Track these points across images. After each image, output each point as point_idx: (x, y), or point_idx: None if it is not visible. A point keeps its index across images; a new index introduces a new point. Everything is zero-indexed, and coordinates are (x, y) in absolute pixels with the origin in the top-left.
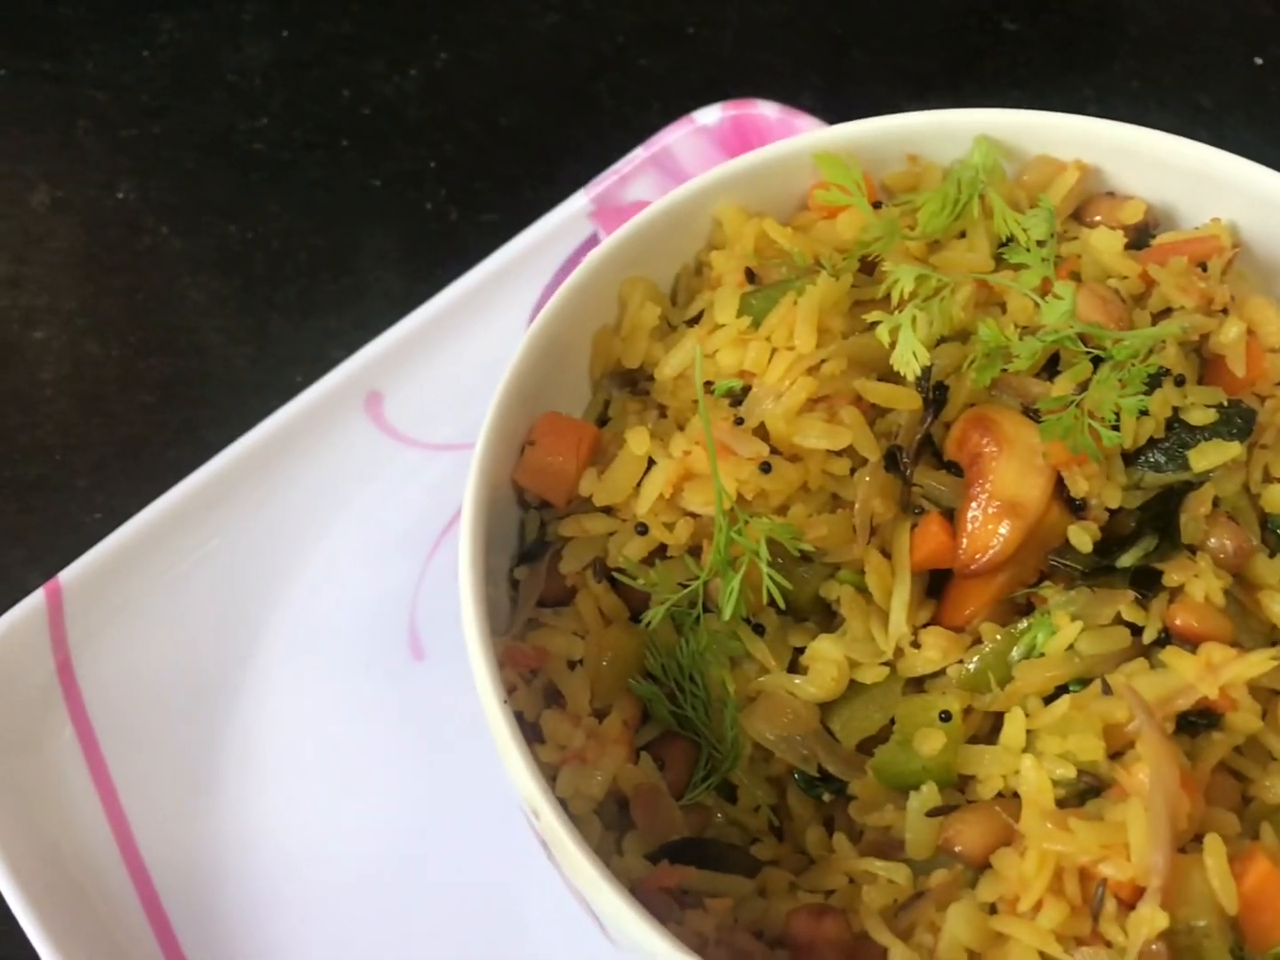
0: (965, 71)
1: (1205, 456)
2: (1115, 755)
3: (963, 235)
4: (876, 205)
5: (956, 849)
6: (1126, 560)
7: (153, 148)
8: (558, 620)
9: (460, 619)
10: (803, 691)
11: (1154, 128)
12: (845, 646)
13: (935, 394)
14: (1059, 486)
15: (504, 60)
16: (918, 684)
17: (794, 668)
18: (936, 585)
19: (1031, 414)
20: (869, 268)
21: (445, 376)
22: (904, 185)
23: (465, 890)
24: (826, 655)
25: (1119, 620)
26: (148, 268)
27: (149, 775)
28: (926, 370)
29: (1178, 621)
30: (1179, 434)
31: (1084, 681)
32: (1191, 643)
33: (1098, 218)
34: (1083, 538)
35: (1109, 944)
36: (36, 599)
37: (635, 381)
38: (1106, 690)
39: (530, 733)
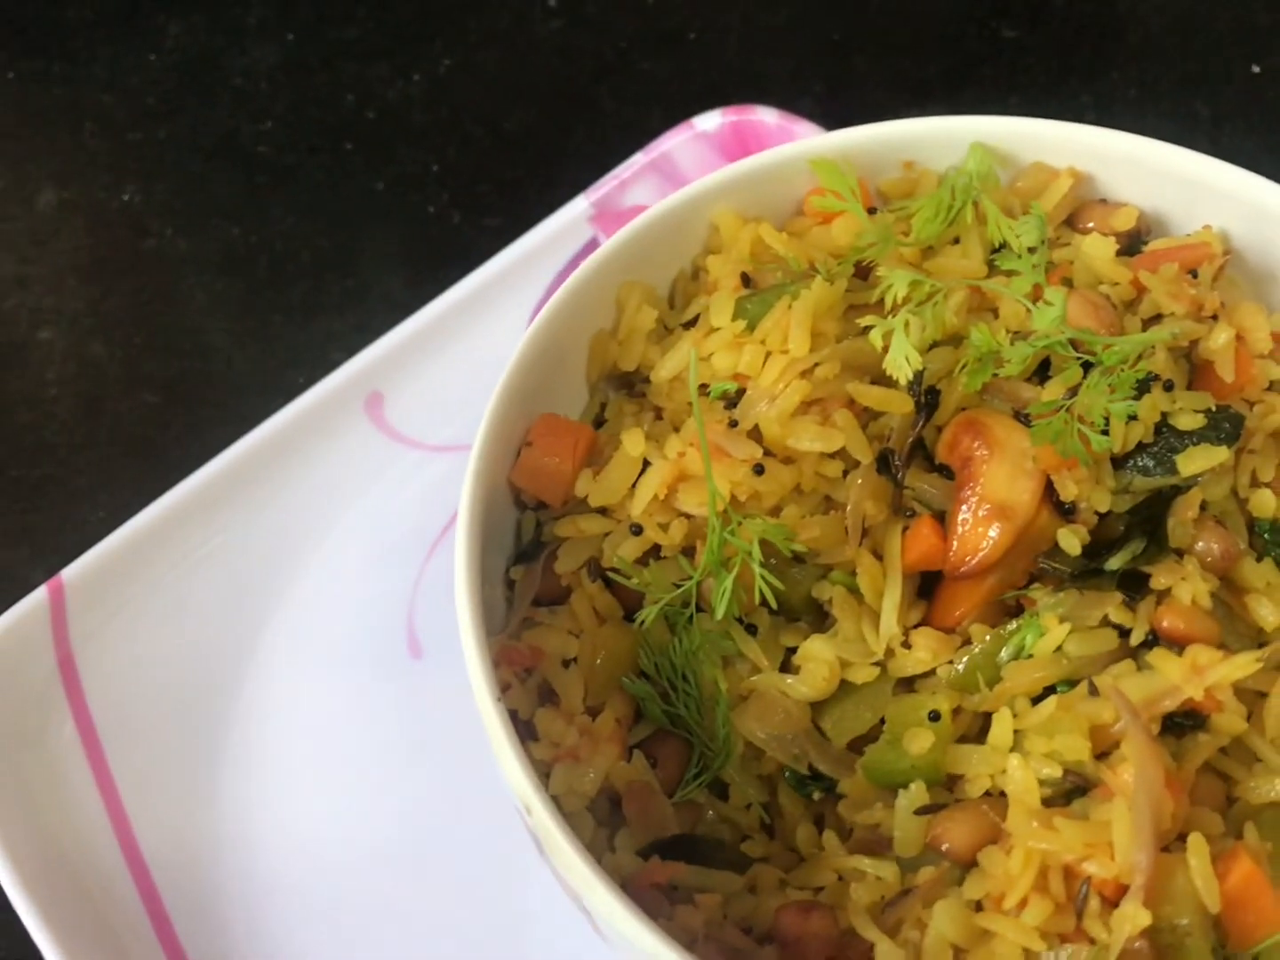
0: (965, 78)
1: (1193, 461)
2: (1101, 755)
3: (956, 241)
4: (871, 211)
5: (944, 847)
6: (1115, 563)
7: (158, 150)
8: (553, 619)
9: (456, 618)
10: (794, 691)
11: (1152, 135)
12: (836, 647)
13: (927, 398)
14: (1049, 490)
15: (507, 65)
16: (908, 684)
17: (786, 667)
18: (927, 587)
19: (1022, 418)
20: (863, 273)
21: (446, 378)
22: (900, 191)
23: (461, 885)
24: (818, 655)
25: (1107, 622)
26: (152, 269)
27: (149, 771)
28: (919, 374)
29: (1165, 624)
30: (1167, 439)
31: (1071, 682)
32: (1178, 645)
33: (1090, 224)
34: (1072, 541)
35: (1092, 941)
36: (39, 596)
37: (631, 384)
38: (1093, 691)
39: (524, 730)
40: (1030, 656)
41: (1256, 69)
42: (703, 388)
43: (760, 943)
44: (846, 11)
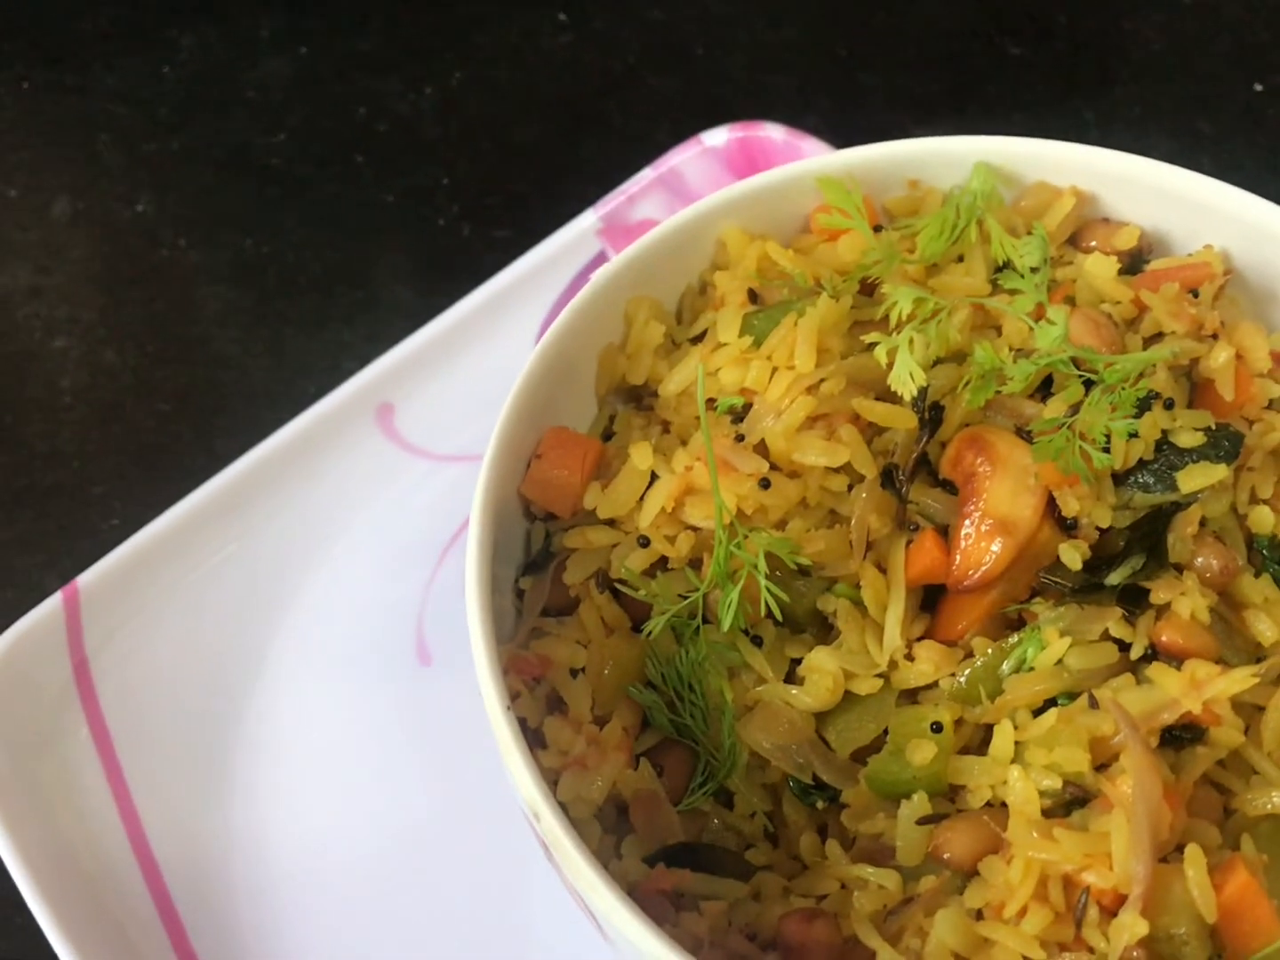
0: (969, 95)
1: (1193, 478)
2: (1101, 767)
3: (960, 259)
4: (877, 229)
5: (945, 856)
6: (1115, 578)
7: (172, 162)
8: (561, 629)
9: (466, 627)
10: (799, 702)
11: (1154, 153)
12: (840, 658)
13: (931, 414)
14: (1050, 506)
15: (517, 79)
16: (910, 696)
17: (790, 678)
18: (930, 600)
19: (1024, 435)
20: (868, 290)
21: (455, 389)
22: (905, 209)
23: (467, 889)
24: (822, 667)
25: (1107, 636)
26: (165, 279)
27: (162, 775)
28: (923, 390)
29: (1164, 638)
30: (1168, 456)
31: (1072, 695)
32: (1177, 659)
33: (1093, 243)
34: (1073, 556)
35: (1091, 950)
36: (54, 602)
37: (640, 397)
38: (1093, 704)
39: (533, 738)
40: (1031, 669)
41: (1258, 88)
42: (710, 402)
43: (764, 949)
44: (852, 29)
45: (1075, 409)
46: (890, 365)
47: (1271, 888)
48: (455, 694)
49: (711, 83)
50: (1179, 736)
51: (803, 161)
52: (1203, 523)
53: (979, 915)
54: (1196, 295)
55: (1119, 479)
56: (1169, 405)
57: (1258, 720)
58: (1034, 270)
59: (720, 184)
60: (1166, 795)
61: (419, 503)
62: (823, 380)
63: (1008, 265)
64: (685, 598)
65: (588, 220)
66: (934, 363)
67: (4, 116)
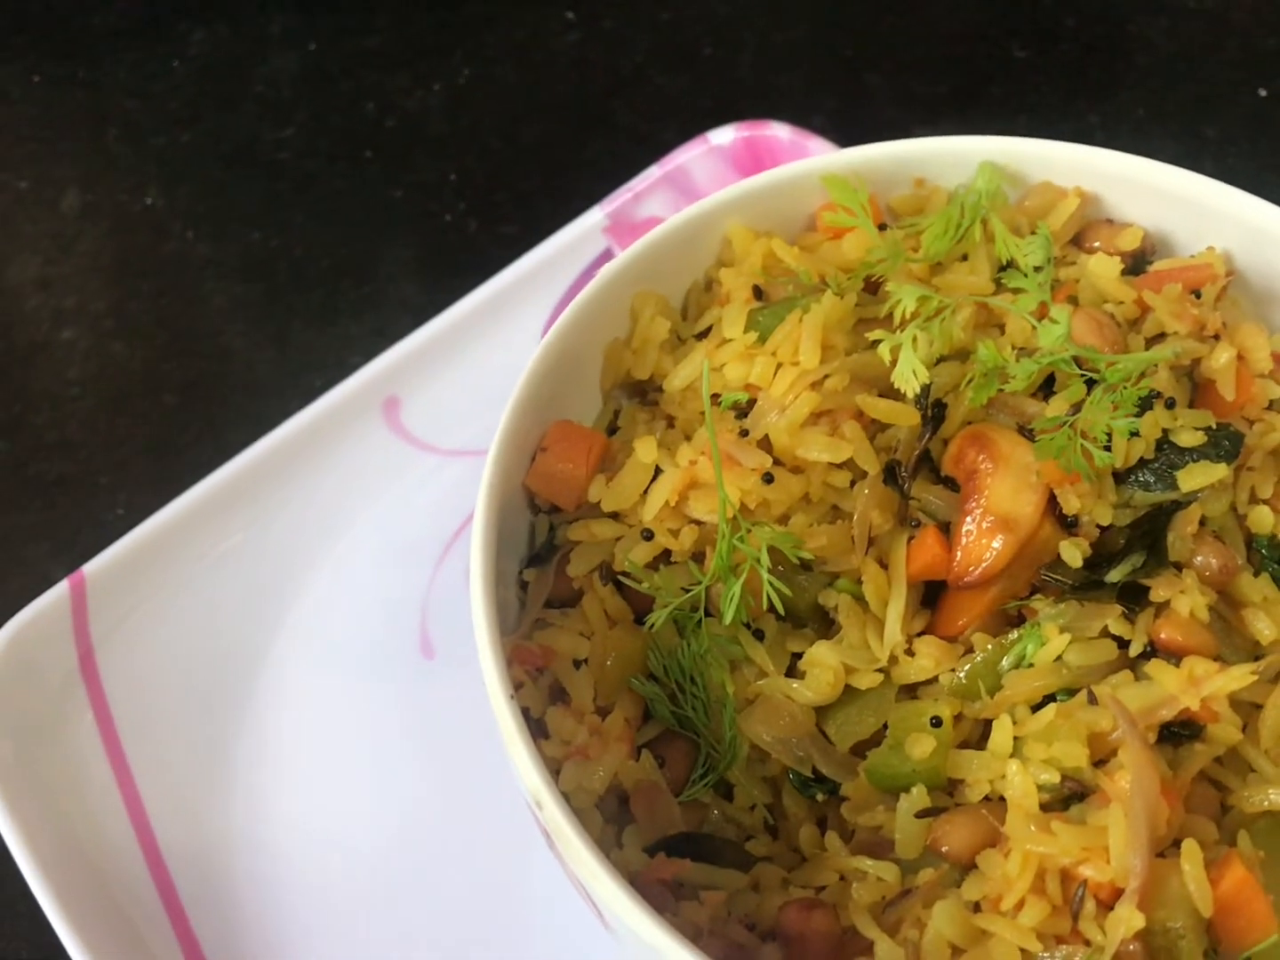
0: (975, 97)
1: (1193, 477)
2: (1099, 763)
3: (965, 258)
4: (882, 227)
5: (944, 849)
6: (1115, 576)
7: (181, 155)
8: (564, 621)
9: (471, 618)
10: (799, 695)
11: (1159, 156)
12: (841, 653)
13: (934, 411)
14: (1051, 503)
15: (525, 77)
16: (910, 690)
17: (792, 672)
18: (931, 596)
19: (1026, 433)
20: (873, 288)
21: (461, 384)
22: (910, 208)
23: (469, 879)
24: (823, 661)
25: (1106, 633)
26: (174, 272)
27: (166, 764)
28: (926, 388)
29: (1163, 636)
30: (1168, 455)
31: (1071, 691)
32: (1176, 656)
33: (1096, 243)
34: (1073, 553)
35: (1088, 942)
36: (60, 591)
37: (645, 392)
38: (1092, 700)
39: (536, 728)
40: (1031, 665)
41: (1263, 92)
42: (715, 397)
43: (763, 939)
44: (859, 30)
45: (1077, 408)
46: (894, 362)
47: (1268, 883)
48: (459, 686)
49: (718, 82)
50: (1177, 733)
51: (808, 160)
52: (1203, 522)
53: (977, 907)
54: (1199, 296)
55: (1120, 477)
56: (1170, 405)
57: (1255, 718)
58: (1037, 270)
59: (726, 182)
60: (1164, 791)
61: (424, 497)
62: (827, 377)
63: (1011, 264)
64: (688, 591)
65: (594, 217)
66: (937, 360)
67: (15, 110)
